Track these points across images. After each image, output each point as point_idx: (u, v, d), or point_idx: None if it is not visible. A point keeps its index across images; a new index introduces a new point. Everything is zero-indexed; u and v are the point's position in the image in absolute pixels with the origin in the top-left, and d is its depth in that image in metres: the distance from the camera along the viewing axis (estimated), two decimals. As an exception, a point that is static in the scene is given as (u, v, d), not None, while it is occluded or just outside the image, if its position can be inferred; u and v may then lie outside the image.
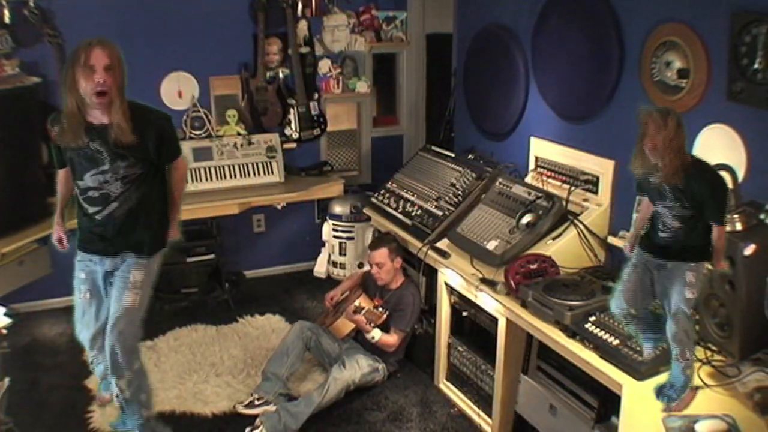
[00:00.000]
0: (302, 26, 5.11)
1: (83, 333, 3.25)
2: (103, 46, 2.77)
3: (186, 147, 4.87)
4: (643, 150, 2.41)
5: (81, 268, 3.16)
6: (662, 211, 2.50)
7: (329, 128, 5.39)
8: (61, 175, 3.17)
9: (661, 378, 2.62)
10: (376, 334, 3.90)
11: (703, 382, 2.64)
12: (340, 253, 5.24)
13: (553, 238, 3.51)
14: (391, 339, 3.95)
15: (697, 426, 2.45)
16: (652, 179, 2.48)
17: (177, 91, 4.97)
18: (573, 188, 3.72)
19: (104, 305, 3.16)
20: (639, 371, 2.65)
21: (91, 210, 3.02)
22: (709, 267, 2.60)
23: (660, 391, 2.58)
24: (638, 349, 2.73)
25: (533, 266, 3.30)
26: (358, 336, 4.07)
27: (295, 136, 5.23)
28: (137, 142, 2.89)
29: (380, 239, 4.20)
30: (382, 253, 4.05)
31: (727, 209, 2.47)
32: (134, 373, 3.12)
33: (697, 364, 2.71)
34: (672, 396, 2.58)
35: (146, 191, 3.05)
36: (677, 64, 3.13)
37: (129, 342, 3.07)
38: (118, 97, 2.82)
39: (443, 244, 3.91)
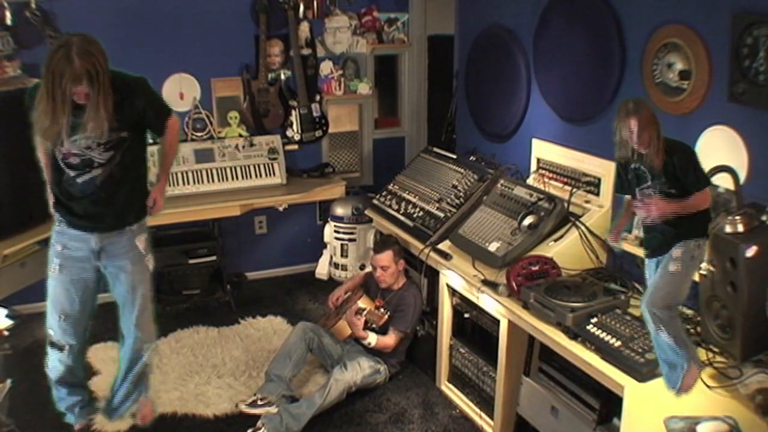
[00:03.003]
0: (304, 28, 5.12)
1: (52, 318, 3.10)
2: (84, 80, 2.58)
3: (188, 148, 4.90)
4: (625, 141, 2.53)
5: (57, 240, 3.02)
6: (647, 194, 2.58)
7: (331, 130, 5.40)
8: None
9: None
10: (372, 339, 3.90)
11: (705, 384, 2.64)
12: (342, 255, 5.24)
13: (555, 240, 3.51)
14: (389, 340, 3.95)
15: (699, 428, 2.45)
16: (631, 166, 2.61)
17: (179, 92, 4.97)
18: (575, 190, 3.72)
19: (79, 289, 3.07)
20: (640, 373, 2.64)
21: (72, 173, 2.88)
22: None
23: (667, 380, 2.60)
24: (640, 350, 2.73)
25: (535, 268, 3.30)
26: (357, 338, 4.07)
27: (297, 137, 5.24)
28: (120, 114, 2.77)
29: (384, 242, 4.19)
30: (387, 256, 4.05)
31: (702, 175, 2.56)
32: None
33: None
34: (672, 378, 2.57)
35: (130, 158, 2.95)
36: (679, 65, 3.13)
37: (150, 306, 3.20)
38: (100, 97, 2.64)
39: (445, 245, 3.91)
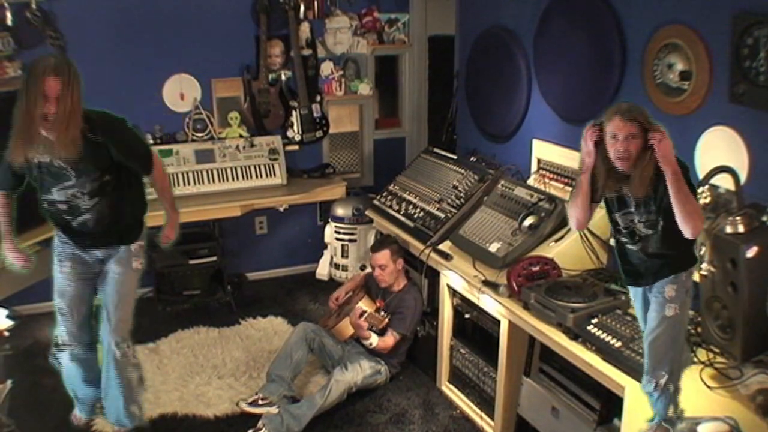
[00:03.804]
0: (304, 28, 5.12)
1: (63, 319, 3.24)
2: (57, 74, 2.73)
3: (188, 149, 4.90)
4: (607, 157, 2.31)
5: (64, 241, 3.17)
6: (629, 219, 2.45)
7: (331, 130, 5.40)
8: (1, 198, 3.15)
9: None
10: (373, 341, 3.90)
11: (706, 385, 2.64)
12: (342, 256, 5.24)
13: (555, 240, 3.51)
14: (388, 342, 3.94)
15: (700, 428, 2.45)
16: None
17: (179, 93, 4.97)
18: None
19: (87, 286, 3.23)
20: (641, 373, 2.64)
21: (65, 216, 3.06)
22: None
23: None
24: (640, 351, 2.72)
25: (535, 268, 3.30)
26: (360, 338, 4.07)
27: (298, 138, 5.24)
28: (98, 154, 2.91)
29: (382, 241, 4.20)
30: (384, 255, 4.05)
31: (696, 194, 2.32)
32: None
33: (698, 367, 2.71)
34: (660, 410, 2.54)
35: (119, 196, 3.07)
36: (679, 66, 3.13)
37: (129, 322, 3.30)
38: (67, 119, 2.75)
39: (445, 246, 3.91)
